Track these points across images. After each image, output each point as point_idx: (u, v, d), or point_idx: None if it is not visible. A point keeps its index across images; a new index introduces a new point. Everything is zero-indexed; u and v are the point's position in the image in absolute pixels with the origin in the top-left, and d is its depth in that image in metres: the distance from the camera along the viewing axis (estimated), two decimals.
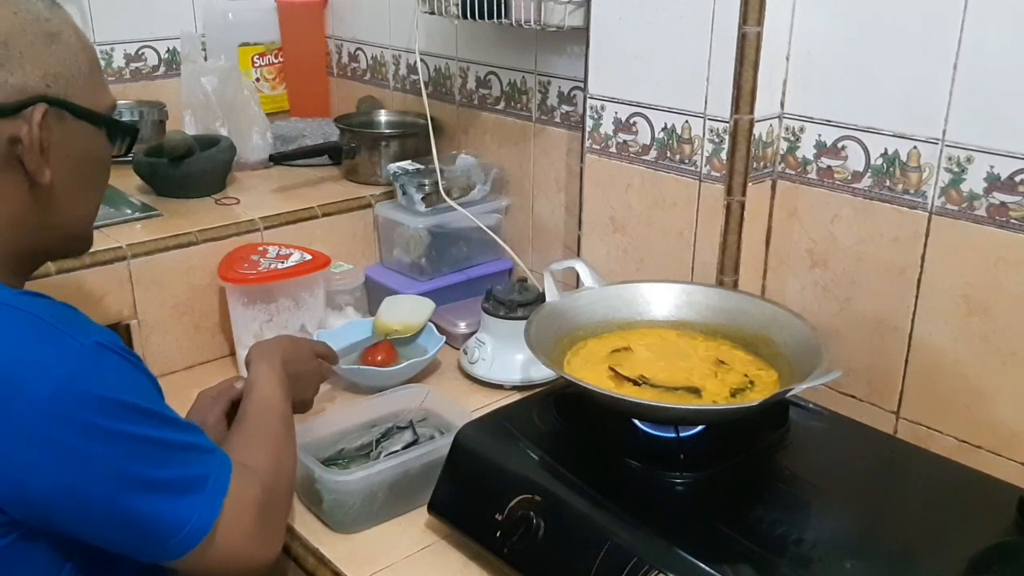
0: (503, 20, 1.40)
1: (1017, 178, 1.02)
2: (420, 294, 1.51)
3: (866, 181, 1.16)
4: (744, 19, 1.14)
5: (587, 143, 1.38)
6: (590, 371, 1.07)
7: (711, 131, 1.22)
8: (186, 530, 0.81)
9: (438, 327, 1.45)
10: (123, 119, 0.94)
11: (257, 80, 2.02)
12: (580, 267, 1.22)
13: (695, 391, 1.04)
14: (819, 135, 1.19)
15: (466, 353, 1.40)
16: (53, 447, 0.75)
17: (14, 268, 0.87)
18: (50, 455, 0.75)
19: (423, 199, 1.56)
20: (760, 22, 1.14)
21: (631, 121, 1.31)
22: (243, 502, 0.85)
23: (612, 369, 1.07)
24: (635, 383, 1.05)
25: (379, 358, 1.38)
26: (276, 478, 0.93)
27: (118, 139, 0.91)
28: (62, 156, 0.84)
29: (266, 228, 1.52)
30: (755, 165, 1.21)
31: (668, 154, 1.28)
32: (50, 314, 0.79)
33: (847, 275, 1.20)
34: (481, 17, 1.42)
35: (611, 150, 1.35)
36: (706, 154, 1.23)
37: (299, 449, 1.09)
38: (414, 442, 1.15)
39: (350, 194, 1.65)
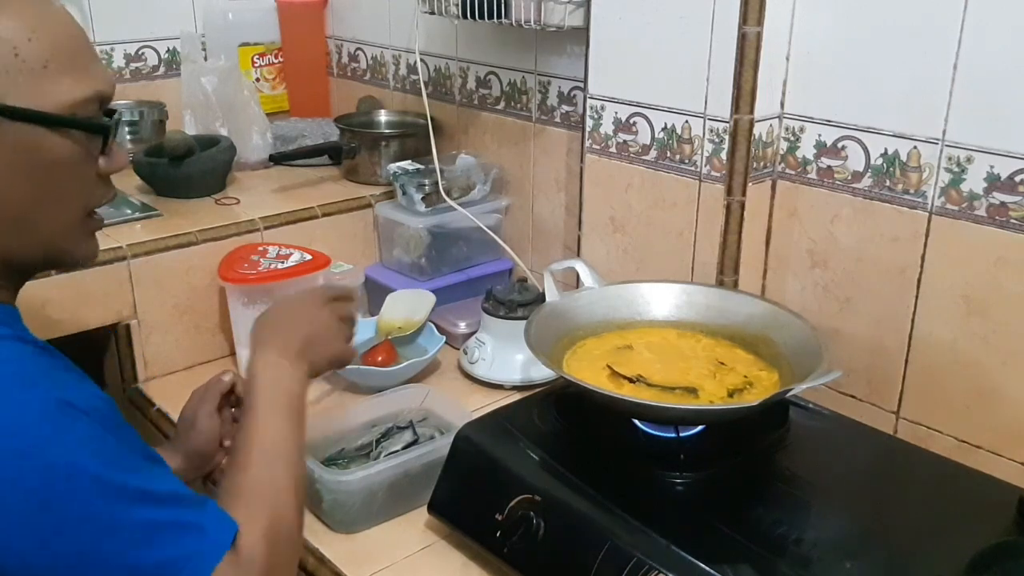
0: (503, 20, 1.39)
1: (1017, 178, 1.02)
2: None
3: (866, 181, 1.16)
4: (744, 19, 1.14)
5: (587, 143, 1.38)
6: (590, 371, 1.07)
7: (711, 131, 1.22)
8: None
9: (438, 327, 1.45)
10: (97, 116, 0.79)
11: (257, 80, 2.02)
12: (580, 267, 1.22)
13: (692, 391, 1.04)
14: (819, 135, 1.19)
15: (466, 353, 1.40)
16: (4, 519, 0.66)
17: None
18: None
19: (423, 199, 1.56)
20: (760, 22, 1.14)
21: (631, 121, 1.31)
22: None
23: (610, 367, 1.07)
24: (631, 381, 1.05)
25: (379, 358, 1.38)
26: (277, 538, 0.80)
27: (86, 137, 0.77)
28: None
29: (266, 228, 1.52)
30: (755, 165, 1.21)
31: (668, 154, 1.28)
32: (13, 368, 0.70)
33: (847, 275, 1.20)
34: (481, 17, 1.42)
35: (611, 150, 1.35)
36: (706, 154, 1.23)
37: None
38: (414, 442, 1.15)
39: (350, 194, 1.65)
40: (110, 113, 0.81)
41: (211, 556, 0.73)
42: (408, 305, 1.47)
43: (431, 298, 1.48)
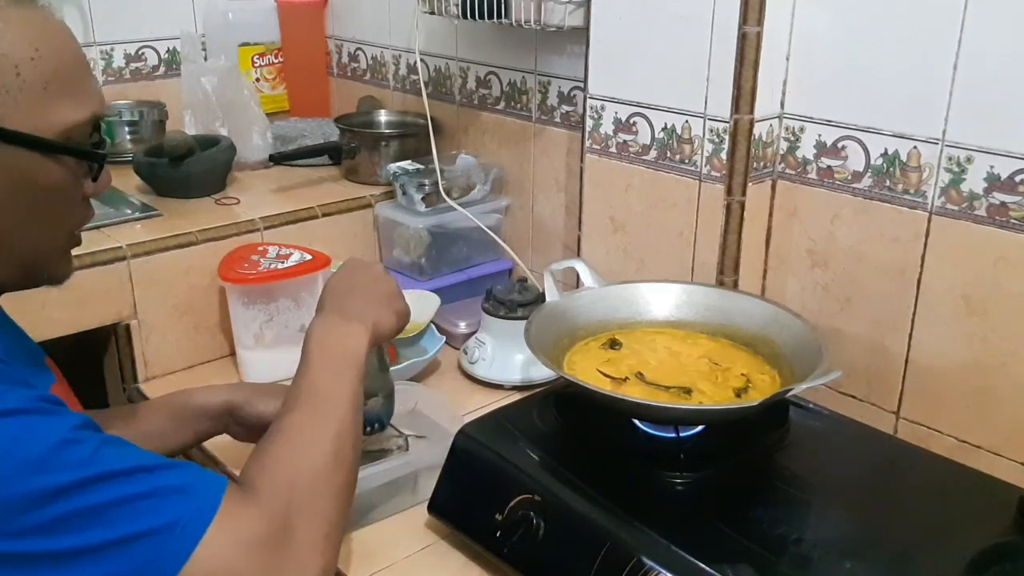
0: (503, 20, 1.39)
1: (1017, 178, 1.02)
2: None
3: (866, 181, 1.16)
4: (744, 19, 1.14)
5: (587, 143, 1.38)
6: (590, 371, 1.07)
7: (711, 131, 1.22)
8: None
9: (438, 327, 1.45)
10: (92, 141, 0.77)
11: (257, 80, 2.02)
12: (580, 267, 1.22)
13: (687, 390, 1.04)
14: (819, 135, 1.19)
15: (466, 353, 1.40)
16: None
17: None
18: None
19: (423, 199, 1.56)
20: (760, 22, 1.14)
21: (631, 121, 1.31)
22: (230, 541, 0.71)
23: (601, 371, 1.07)
24: (625, 380, 1.05)
25: None
26: (293, 495, 0.77)
27: (77, 161, 0.76)
28: None
29: (266, 228, 1.52)
30: (755, 165, 1.21)
31: (668, 154, 1.28)
32: None
33: (847, 275, 1.20)
34: (481, 17, 1.42)
35: (611, 150, 1.35)
36: (706, 154, 1.23)
37: None
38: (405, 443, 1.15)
39: (350, 194, 1.66)
40: (97, 128, 0.79)
41: (207, 506, 0.71)
42: (413, 306, 1.47)
43: (436, 300, 1.47)
